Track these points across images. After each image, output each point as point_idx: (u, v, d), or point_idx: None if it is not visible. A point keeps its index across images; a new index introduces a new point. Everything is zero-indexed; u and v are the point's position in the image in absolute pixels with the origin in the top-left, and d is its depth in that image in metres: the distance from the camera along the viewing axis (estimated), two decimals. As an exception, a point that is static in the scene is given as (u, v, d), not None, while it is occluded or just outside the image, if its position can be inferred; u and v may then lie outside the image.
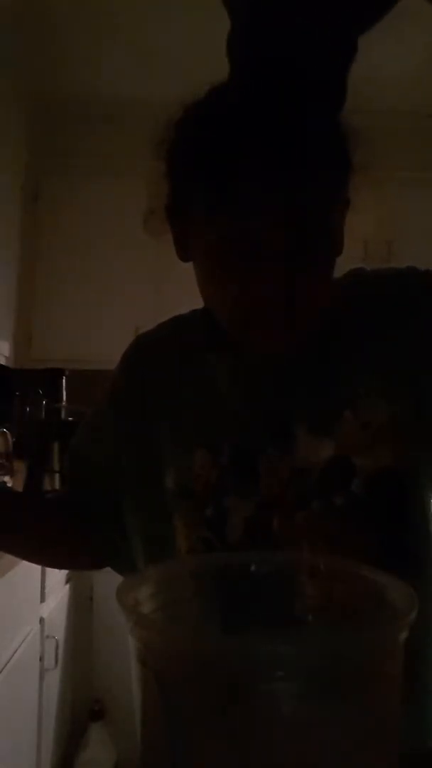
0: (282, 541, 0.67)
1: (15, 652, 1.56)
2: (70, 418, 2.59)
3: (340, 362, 0.69)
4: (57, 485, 2.40)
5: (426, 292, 0.69)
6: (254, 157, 0.56)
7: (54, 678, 1.95)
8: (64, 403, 2.63)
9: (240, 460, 0.70)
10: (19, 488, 2.30)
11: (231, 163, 0.56)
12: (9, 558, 1.47)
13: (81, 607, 2.31)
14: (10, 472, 2.19)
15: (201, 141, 0.60)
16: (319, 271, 0.62)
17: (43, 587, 1.87)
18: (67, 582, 2.23)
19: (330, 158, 0.60)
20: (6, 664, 1.48)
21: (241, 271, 0.59)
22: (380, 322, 0.69)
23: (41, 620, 1.84)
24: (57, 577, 2.08)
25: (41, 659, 1.81)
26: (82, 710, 2.23)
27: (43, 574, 1.88)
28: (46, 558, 0.94)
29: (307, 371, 0.69)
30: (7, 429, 2.24)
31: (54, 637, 1.89)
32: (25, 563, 1.59)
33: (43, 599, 1.87)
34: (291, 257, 0.58)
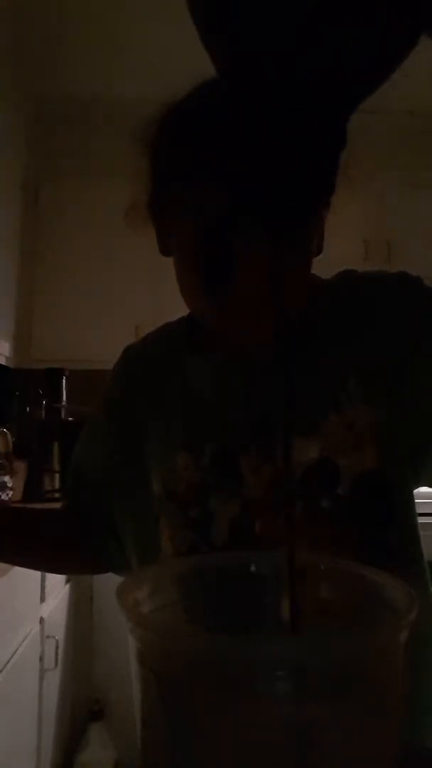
0: (265, 544, 0.66)
1: (15, 652, 1.56)
2: (70, 418, 2.59)
3: (322, 364, 0.68)
4: (57, 485, 2.40)
5: (406, 297, 0.69)
6: (231, 155, 0.56)
7: (54, 678, 1.95)
8: (64, 403, 2.63)
9: (222, 461, 0.70)
10: (19, 488, 2.30)
11: (209, 160, 0.57)
12: (9, 558, 1.48)
13: (81, 607, 2.31)
14: (10, 472, 2.19)
15: (181, 138, 0.61)
16: (294, 266, 0.62)
17: (43, 587, 1.87)
18: (67, 582, 2.23)
19: (308, 160, 0.59)
20: (6, 664, 1.48)
21: (219, 264, 0.60)
22: (359, 324, 0.69)
23: (41, 620, 1.84)
24: (57, 577, 2.08)
25: (41, 659, 1.81)
26: (82, 710, 2.23)
27: (43, 574, 1.88)
28: (46, 567, 0.96)
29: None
30: (7, 429, 2.24)
31: (54, 637, 1.89)
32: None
33: (43, 599, 1.87)
34: (267, 249, 0.57)
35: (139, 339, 0.86)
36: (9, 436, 2.23)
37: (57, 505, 0.94)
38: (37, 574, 1.83)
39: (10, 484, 2.17)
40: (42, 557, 0.85)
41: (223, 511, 0.69)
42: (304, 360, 0.68)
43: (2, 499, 2.09)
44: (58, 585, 2.09)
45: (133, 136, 0.65)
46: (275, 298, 0.58)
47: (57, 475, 2.43)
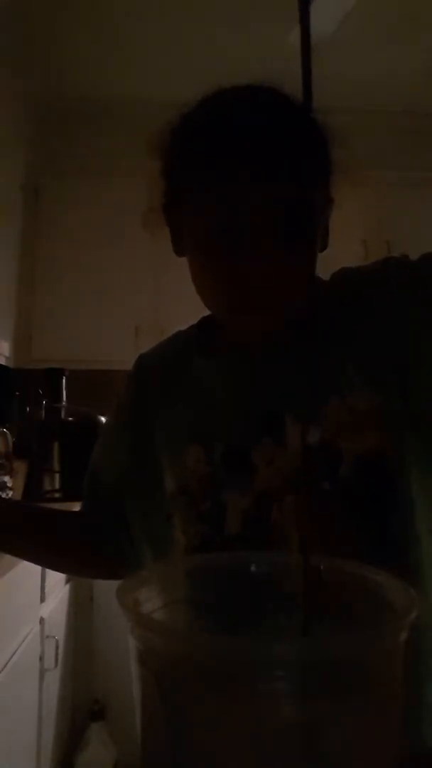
0: (278, 533, 0.67)
1: (15, 652, 1.56)
2: (70, 418, 2.59)
3: (324, 352, 0.69)
4: (57, 485, 2.40)
5: (395, 277, 0.69)
6: (242, 158, 0.62)
7: (54, 678, 1.95)
8: (64, 403, 2.63)
9: (232, 454, 0.71)
10: (19, 488, 2.30)
11: (222, 163, 0.63)
12: (9, 558, 1.47)
13: (81, 607, 2.31)
14: (10, 472, 2.19)
15: (192, 144, 0.66)
16: (299, 260, 0.64)
17: (43, 587, 1.87)
18: (67, 582, 2.23)
19: (311, 159, 0.64)
20: (6, 664, 1.48)
21: (228, 259, 0.64)
22: (357, 313, 0.70)
23: (41, 620, 1.84)
24: (57, 577, 2.08)
25: (41, 659, 1.81)
26: (82, 710, 2.23)
27: (43, 574, 1.88)
28: (62, 567, 0.99)
29: (291, 362, 0.70)
30: (7, 429, 2.24)
31: (54, 637, 1.89)
32: (25, 563, 1.59)
33: (43, 599, 1.87)
34: (274, 246, 0.63)
35: (151, 347, 0.90)
36: (9, 436, 2.23)
37: (57, 505, 0.94)
38: (38, 574, 1.83)
39: (10, 484, 2.17)
40: (58, 557, 0.88)
41: (235, 503, 0.70)
42: (304, 350, 0.69)
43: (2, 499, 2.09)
44: (58, 585, 2.09)
45: (148, 143, 0.70)
46: (282, 291, 0.64)
47: (57, 475, 2.43)
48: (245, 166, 0.62)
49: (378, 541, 0.65)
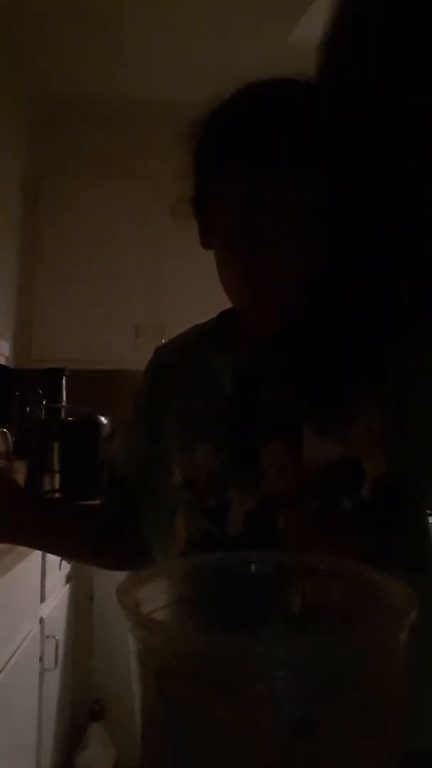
0: (284, 538, 0.67)
1: (15, 652, 1.56)
2: (70, 418, 2.59)
3: (340, 365, 0.69)
4: (57, 485, 2.40)
5: None
6: (268, 153, 0.64)
7: (54, 678, 1.95)
8: (64, 403, 2.63)
9: (241, 453, 0.71)
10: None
11: (248, 157, 0.65)
12: (9, 558, 1.48)
13: (81, 607, 2.31)
14: (10, 472, 2.19)
15: (223, 138, 0.68)
16: (317, 259, 0.65)
17: (43, 587, 1.87)
18: (67, 582, 2.23)
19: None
20: (6, 664, 1.47)
21: (248, 253, 0.66)
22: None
23: (41, 620, 1.84)
24: (57, 577, 2.08)
25: (41, 659, 1.81)
26: (82, 710, 2.23)
27: (43, 574, 1.88)
28: (83, 559, 1.01)
29: (309, 369, 0.70)
30: (7, 429, 2.24)
31: (54, 637, 1.89)
32: (25, 563, 1.60)
33: (43, 599, 1.87)
34: (293, 242, 0.64)
35: (169, 339, 0.91)
36: (9, 436, 2.23)
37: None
38: (37, 574, 1.83)
39: (10, 484, 2.17)
40: (78, 550, 0.91)
41: (240, 503, 0.70)
42: (323, 359, 0.70)
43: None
44: (58, 585, 2.09)
45: (180, 136, 0.71)
46: (296, 288, 0.65)
47: (57, 475, 2.43)
48: (270, 161, 0.64)
49: (385, 564, 0.65)
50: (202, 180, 0.72)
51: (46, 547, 0.91)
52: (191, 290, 2.94)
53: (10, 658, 1.51)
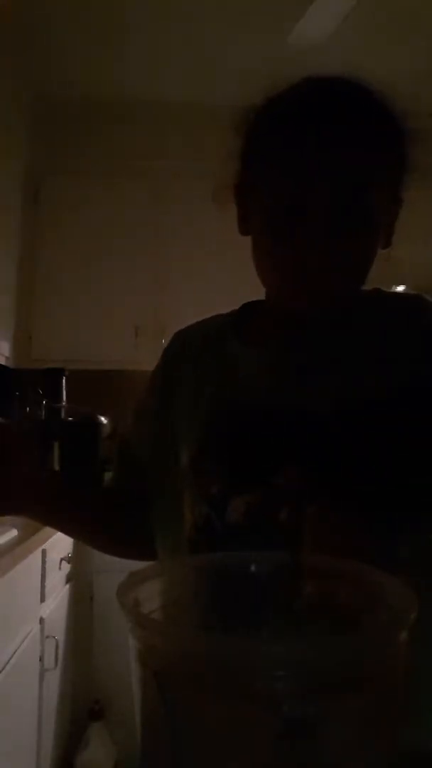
0: (285, 531, 0.67)
1: (15, 652, 1.56)
2: (70, 418, 2.59)
3: (354, 363, 0.71)
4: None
5: (421, 327, 0.71)
6: (317, 145, 0.66)
7: (54, 678, 1.95)
8: (64, 403, 2.63)
9: (250, 441, 0.71)
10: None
11: (298, 147, 0.67)
12: (9, 558, 1.48)
13: (81, 607, 2.31)
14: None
15: (276, 127, 0.70)
16: (355, 249, 0.68)
17: (43, 587, 1.87)
18: (67, 582, 2.23)
19: (382, 154, 0.68)
20: (6, 664, 1.48)
21: (286, 241, 0.67)
22: (381, 342, 0.71)
23: (41, 620, 1.84)
24: (57, 577, 2.08)
25: (41, 659, 1.81)
26: (82, 710, 2.23)
27: (43, 574, 1.88)
28: (92, 544, 0.99)
29: (326, 362, 0.71)
30: (7, 429, 2.24)
31: (54, 637, 1.89)
32: (25, 563, 1.60)
33: (43, 599, 1.87)
34: (330, 234, 0.66)
35: (190, 324, 0.91)
36: (9, 436, 2.22)
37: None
38: (38, 574, 1.83)
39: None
40: (91, 533, 0.90)
41: (243, 492, 0.69)
42: (337, 355, 0.72)
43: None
44: (58, 585, 2.09)
45: (232, 121, 0.73)
46: (332, 264, 0.66)
47: (57, 475, 2.43)
48: (317, 153, 0.66)
49: (391, 563, 0.65)
50: (251, 166, 0.73)
51: (57, 520, 0.89)
52: (191, 290, 2.94)
53: (10, 658, 1.51)
